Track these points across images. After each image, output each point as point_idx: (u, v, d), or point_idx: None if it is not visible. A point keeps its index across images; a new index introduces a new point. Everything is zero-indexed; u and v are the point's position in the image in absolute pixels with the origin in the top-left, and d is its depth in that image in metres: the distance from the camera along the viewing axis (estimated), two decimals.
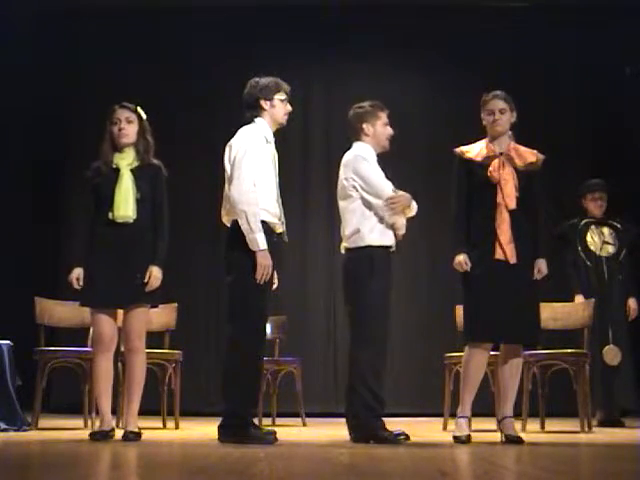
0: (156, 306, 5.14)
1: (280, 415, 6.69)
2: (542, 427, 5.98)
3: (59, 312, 6.22)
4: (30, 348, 5.91)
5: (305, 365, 6.80)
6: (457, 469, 3.76)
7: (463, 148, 5.10)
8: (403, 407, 7.48)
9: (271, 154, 4.93)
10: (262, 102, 4.92)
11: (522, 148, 5.07)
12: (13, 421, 5.57)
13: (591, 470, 3.80)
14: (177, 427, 6.01)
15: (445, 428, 6.00)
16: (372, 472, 3.52)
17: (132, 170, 4.98)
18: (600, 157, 8.07)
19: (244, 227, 4.70)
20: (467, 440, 4.83)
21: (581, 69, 8.44)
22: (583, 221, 6.86)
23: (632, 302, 6.76)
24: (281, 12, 8.47)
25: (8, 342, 5.76)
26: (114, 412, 5.20)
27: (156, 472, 3.54)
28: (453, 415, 5.20)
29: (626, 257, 6.82)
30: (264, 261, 4.69)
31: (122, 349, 5.29)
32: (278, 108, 4.93)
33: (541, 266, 4.96)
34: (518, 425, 5.17)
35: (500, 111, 5.01)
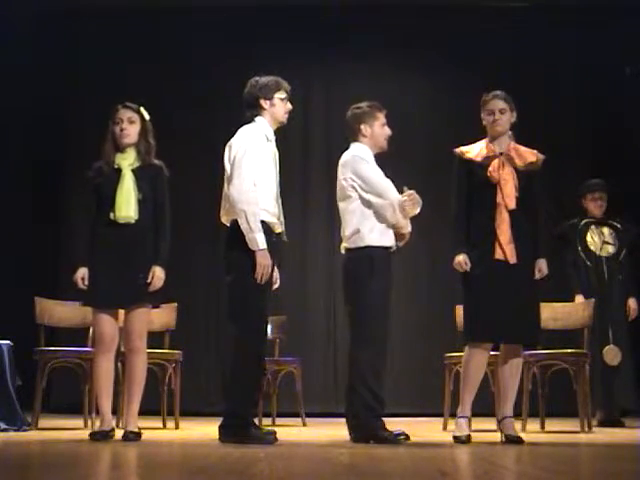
0: (158, 306, 5.15)
1: (280, 415, 6.69)
2: (542, 427, 5.98)
3: (59, 312, 6.23)
4: (30, 348, 5.91)
5: (305, 365, 6.81)
6: (457, 469, 3.76)
7: (463, 148, 5.10)
8: (403, 407, 7.48)
9: (272, 153, 4.92)
10: (262, 101, 4.91)
11: (522, 148, 5.07)
12: (13, 421, 5.57)
13: (591, 470, 3.80)
14: (177, 427, 6.01)
15: (445, 428, 6.00)
16: (372, 472, 3.52)
17: (133, 170, 4.98)
18: (600, 157, 8.06)
19: (244, 226, 4.69)
20: (467, 440, 4.83)
21: (581, 69, 8.44)
22: (583, 221, 6.86)
23: (632, 302, 6.76)
24: (281, 12, 8.47)
25: (8, 342, 5.76)
26: (114, 412, 5.20)
27: (156, 472, 3.54)
28: (453, 415, 5.20)
29: (626, 257, 6.82)
30: (264, 261, 4.68)
31: (122, 349, 5.29)
32: (278, 107, 4.93)
33: (541, 266, 4.96)
34: (518, 425, 5.17)
35: (500, 111, 5.01)
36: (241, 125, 4.93)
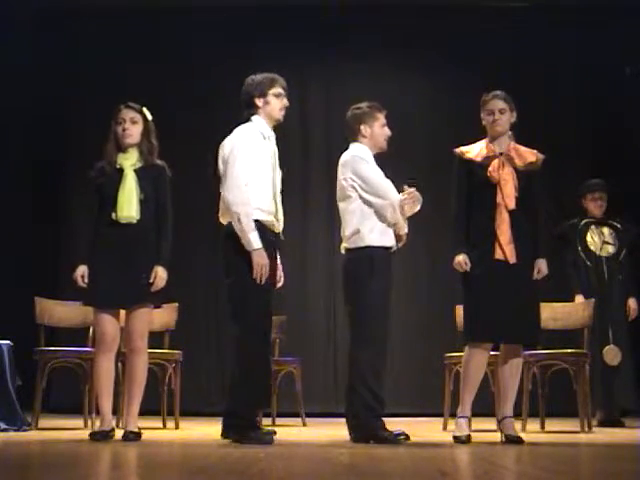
0: (159, 306, 5.15)
1: (280, 415, 6.69)
2: (542, 427, 5.98)
3: (59, 312, 6.23)
4: (30, 348, 5.91)
5: (305, 365, 6.80)
6: (457, 469, 3.76)
7: (463, 148, 5.10)
8: (403, 407, 7.48)
9: (270, 151, 4.90)
10: (257, 100, 4.91)
11: (522, 148, 5.07)
12: (13, 421, 5.57)
13: (591, 470, 3.80)
14: (177, 427, 6.01)
15: (445, 428, 6.00)
16: (372, 472, 3.52)
17: (136, 170, 4.98)
18: (600, 157, 8.06)
19: (237, 228, 4.68)
20: (467, 440, 4.83)
21: (581, 69, 8.44)
22: (583, 221, 6.86)
23: (632, 302, 6.76)
24: (281, 12, 8.47)
25: (8, 342, 5.76)
26: (114, 412, 5.20)
27: (156, 472, 3.54)
28: (453, 415, 5.20)
29: (626, 257, 6.82)
30: (260, 260, 4.67)
31: (123, 349, 5.29)
32: (273, 104, 4.91)
33: (541, 266, 4.96)
34: (518, 425, 5.17)
35: (500, 111, 5.01)
36: (239, 125, 4.93)
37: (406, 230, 5.00)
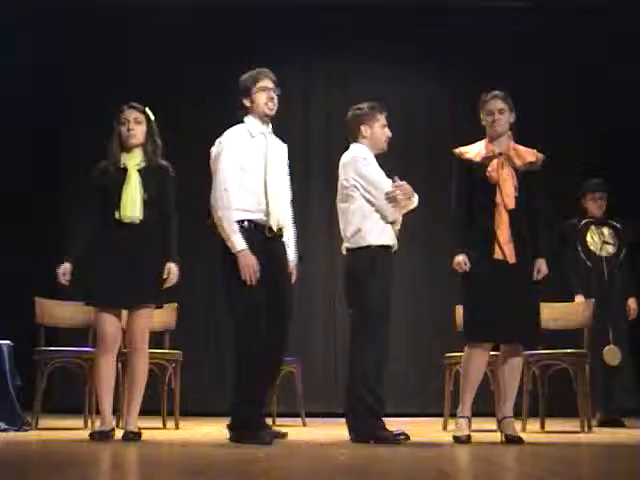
0: (161, 307, 5.16)
1: (280, 415, 6.69)
2: (542, 427, 5.98)
3: (59, 312, 6.23)
4: (30, 348, 5.91)
5: (305, 365, 6.80)
6: (457, 469, 3.76)
7: (462, 149, 5.11)
8: (403, 407, 7.48)
9: (260, 148, 4.88)
10: (244, 100, 4.93)
11: (521, 148, 5.08)
12: (13, 421, 5.57)
13: (591, 470, 3.80)
14: (177, 427, 6.01)
15: (445, 428, 6.00)
16: (372, 472, 3.52)
17: (139, 171, 4.99)
18: (600, 157, 8.06)
19: (221, 231, 4.73)
20: (467, 440, 4.83)
21: (581, 69, 8.43)
22: (583, 221, 6.86)
23: (632, 302, 6.76)
24: (281, 12, 8.47)
25: (8, 342, 5.76)
26: (114, 412, 5.20)
27: (156, 472, 3.54)
28: (453, 415, 5.20)
29: (626, 257, 6.82)
30: (245, 261, 4.67)
31: (123, 349, 5.28)
32: (258, 100, 4.90)
33: (541, 266, 4.96)
34: (518, 425, 5.17)
35: (499, 111, 5.02)
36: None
37: (398, 226, 5.01)
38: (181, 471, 3.57)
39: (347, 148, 5.10)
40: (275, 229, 4.85)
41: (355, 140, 5.07)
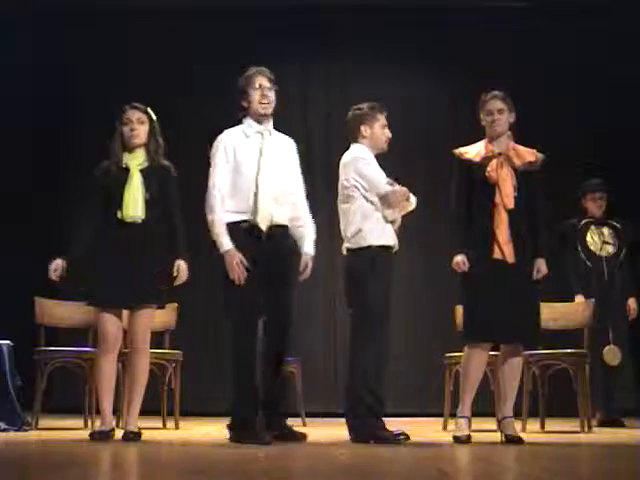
0: (163, 307, 5.16)
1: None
2: (542, 427, 5.98)
3: (59, 312, 6.23)
4: (30, 348, 5.91)
5: (305, 365, 6.80)
6: (457, 469, 3.76)
7: (462, 149, 5.11)
8: (403, 407, 7.48)
9: (253, 148, 4.89)
10: (242, 102, 4.95)
11: (521, 148, 5.08)
12: (13, 421, 5.57)
13: (591, 470, 3.80)
14: (177, 427, 6.01)
15: (445, 428, 6.00)
16: (372, 472, 3.52)
17: (142, 170, 4.99)
18: (600, 157, 8.06)
19: (211, 233, 4.81)
20: (467, 440, 4.83)
21: (581, 69, 8.43)
22: (583, 221, 6.86)
23: (632, 302, 6.76)
24: (281, 12, 8.47)
25: (8, 342, 5.76)
26: (114, 412, 5.20)
27: (156, 472, 3.54)
28: (453, 415, 5.20)
29: (626, 257, 6.83)
30: (230, 260, 4.72)
31: (124, 349, 5.28)
32: (253, 99, 4.92)
33: (540, 265, 4.96)
34: (518, 425, 5.17)
35: (498, 111, 5.02)
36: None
37: (396, 227, 5.01)
38: (181, 471, 3.57)
39: (347, 148, 5.10)
40: (264, 229, 4.82)
41: (355, 140, 5.07)
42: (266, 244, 4.81)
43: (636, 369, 6.76)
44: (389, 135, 5.08)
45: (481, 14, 8.46)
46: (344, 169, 5.01)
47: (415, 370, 8.04)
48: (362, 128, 5.04)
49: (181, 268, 4.96)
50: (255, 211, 4.81)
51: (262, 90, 4.90)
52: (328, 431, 5.82)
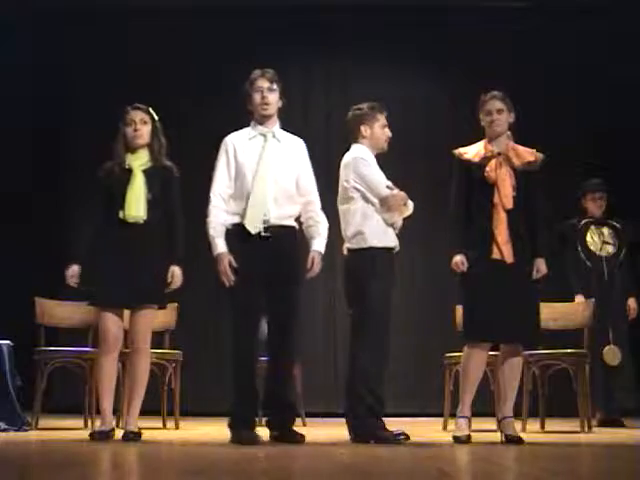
0: (164, 307, 5.16)
1: None
2: (542, 427, 5.98)
3: (59, 312, 6.23)
4: (30, 348, 5.91)
5: (305, 365, 6.80)
6: (457, 469, 3.76)
7: (462, 149, 5.11)
8: (403, 407, 7.48)
9: (257, 149, 4.90)
10: (248, 106, 4.96)
11: (521, 148, 5.08)
12: (13, 421, 5.57)
13: (591, 470, 3.80)
14: (177, 427, 6.01)
15: (445, 428, 6.00)
16: (372, 472, 3.52)
17: (144, 171, 5.00)
18: (600, 157, 8.06)
19: (208, 236, 4.86)
20: (467, 440, 4.82)
21: (581, 69, 8.44)
22: (583, 221, 6.86)
23: (632, 302, 6.77)
24: (281, 12, 8.47)
25: (8, 342, 5.76)
26: (115, 412, 5.20)
27: (156, 472, 3.54)
28: (453, 415, 5.20)
29: (626, 257, 6.83)
30: (219, 264, 4.78)
31: (125, 349, 5.28)
32: (254, 102, 4.93)
33: (540, 265, 4.95)
34: (518, 425, 5.17)
35: (498, 111, 5.02)
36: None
37: (396, 231, 5.02)
38: (181, 471, 3.57)
39: (348, 149, 5.10)
40: (254, 232, 4.80)
41: (355, 140, 5.07)
42: (264, 244, 4.80)
43: (636, 369, 6.76)
44: (389, 135, 5.08)
45: (481, 14, 8.46)
46: (344, 169, 5.01)
47: (415, 370, 8.05)
48: (362, 128, 5.03)
49: (175, 274, 4.95)
50: (244, 213, 4.82)
51: (262, 92, 4.90)
52: (328, 431, 5.82)
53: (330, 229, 5.90)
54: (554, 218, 6.84)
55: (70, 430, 5.70)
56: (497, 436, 5.00)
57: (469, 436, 4.86)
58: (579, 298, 6.56)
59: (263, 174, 4.86)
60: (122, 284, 4.87)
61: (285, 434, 4.81)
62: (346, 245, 5.00)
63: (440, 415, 6.27)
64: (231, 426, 4.75)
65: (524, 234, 4.96)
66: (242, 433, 4.65)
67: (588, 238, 6.81)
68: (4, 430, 5.47)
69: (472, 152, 5.06)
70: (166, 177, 5.05)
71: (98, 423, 5.05)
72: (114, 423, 5.07)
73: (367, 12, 8.47)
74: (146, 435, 5.00)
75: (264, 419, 5.04)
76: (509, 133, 5.08)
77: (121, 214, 4.91)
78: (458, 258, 4.94)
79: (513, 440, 4.83)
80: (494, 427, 5.31)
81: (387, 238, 4.93)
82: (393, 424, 4.89)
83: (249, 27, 8.44)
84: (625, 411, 6.69)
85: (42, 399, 5.88)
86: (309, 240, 4.99)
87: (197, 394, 7.74)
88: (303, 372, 6.64)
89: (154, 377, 5.93)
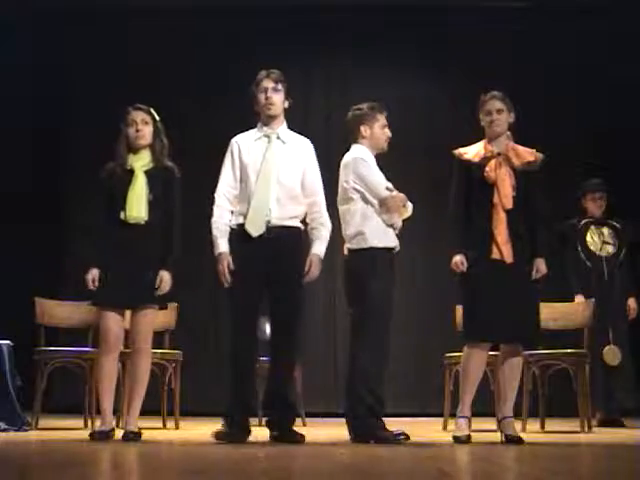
0: (165, 307, 5.16)
1: None
2: (542, 427, 5.98)
3: (59, 312, 6.23)
4: (30, 348, 5.91)
5: (305, 365, 6.79)
6: (457, 469, 3.76)
7: (462, 149, 5.11)
8: (403, 407, 7.48)
9: (261, 150, 4.91)
10: (255, 107, 4.96)
11: (520, 148, 5.08)
12: (13, 421, 5.57)
13: (591, 470, 3.80)
14: (177, 427, 6.01)
15: (445, 428, 6.00)
16: (372, 472, 3.52)
17: (146, 172, 5.00)
18: (600, 157, 8.06)
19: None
20: (467, 440, 4.82)
21: (581, 69, 8.44)
22: (583, 221, 6.87)
23: (632, 302, 6.77)
24: (281, 12, 8.47)
25: (8, 342, 5.76)
26: (115, 412, 5.20)
27: (156, 472, 3.54)
28: (453, 415, 5.20)
29: (626, 257, 6.83)
30: (218, 265, 4.81)
31: (125, 349, 5.28)
32: (259, 103, 4.95)
33: (540, 265, 4.95)
34: (518, 425, 5.17)
35: (497, 111, 5.02)
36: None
37: (396, 231, 5.02)
38: (181, 471, 3.56)
39: (348, 149, 5.10)
40: (256, 231, 4.81)
41: (355, 141, 5.07)
42: (265, 245, 4.80)
43: (636, 369, 6.76)
44: (389, 135, 5.08)
45: (481, 14, 8.47)
46: (344, 170, 5.01)
47: (415, 370, 8.05)
48: (362, 128, 5.03)
49: (164, 279, 4.93)
50: (246, 214, 4.84)
51: (266, 92, 4.91)
52: (328, 431, 5.82)
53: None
54: (554, 218, 6.83)
55: (70, 430, 5.70)
56: (497, 436, 5.00)
57: (469, 436, 4.86)
58: (579, 298, 6.56)
59: (266, 175, 4.86)
60: (123, 284, 4.88)
61: (285, 434, 4.81)
62: (346, 245, 5.00)
63: (440, 415, 6.27)
64: (232, 426, 4.74)
65: (524, 234, 4.96)
66: (232, 432, 4.66)
67: (588, 238, 6.82)
68: (4, 430, 5.47)
69: (472, 152, 5.06)
70: (167, 178, 5.05)
71: (98, 423, 5.05)
72: (114, 423, 5.07)
73: (367, 12, 8.48)
74: (146, 435, 5.00)
75: (264, 419, 5.05)
76: (509, 133, 5.08)
77: (122, 215, 4.91)
78: (458, 258, 4.94)
79: (513, 440, 4.83)
80: (494, 427, 5.31)
81: (387, 238, 4.93)
82: (393, 424, 4.89)
83: (249, 27, 8.44)
84: (625, 411, 6.69)
85: (42, 399, 5.89)
86: (311, 242, 4.99)
87: (197, 394, 7.74)
88: (303, 372, 6.63)
89: (154, 377, 5.93)
